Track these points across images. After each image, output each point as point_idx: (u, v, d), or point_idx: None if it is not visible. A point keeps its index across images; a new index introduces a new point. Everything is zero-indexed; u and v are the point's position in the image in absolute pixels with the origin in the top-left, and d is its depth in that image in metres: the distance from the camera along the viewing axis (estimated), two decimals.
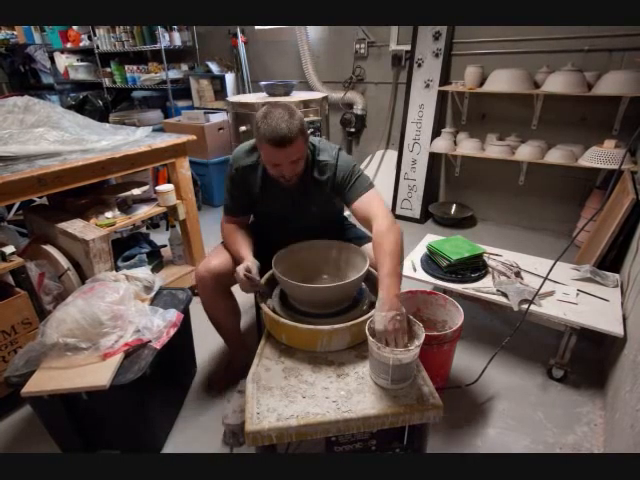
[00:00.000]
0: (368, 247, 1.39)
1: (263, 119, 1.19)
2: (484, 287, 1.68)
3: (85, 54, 4.56)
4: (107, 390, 1.15)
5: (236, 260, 1.35)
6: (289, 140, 1.16)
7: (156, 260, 2.15)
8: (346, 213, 1.75)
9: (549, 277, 1.54)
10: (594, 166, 2.33)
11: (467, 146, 2.80)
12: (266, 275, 1.33)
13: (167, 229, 2.71)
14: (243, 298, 1.55)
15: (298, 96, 2.87)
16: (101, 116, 4.10)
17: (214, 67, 3.85)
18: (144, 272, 1.58)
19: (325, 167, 1.34)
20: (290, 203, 1.39)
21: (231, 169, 1.40)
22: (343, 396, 1.01)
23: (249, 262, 1.26)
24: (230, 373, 1.64)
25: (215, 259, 1.41)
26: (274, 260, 1.26)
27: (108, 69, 4.28)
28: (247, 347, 1.62)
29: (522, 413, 1.50)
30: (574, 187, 2.70)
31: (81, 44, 4.35)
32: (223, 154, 3.41)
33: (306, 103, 2.72)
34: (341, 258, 1.37)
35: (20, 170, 1.47)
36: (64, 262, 1.65)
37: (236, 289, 1.49)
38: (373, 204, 1.27)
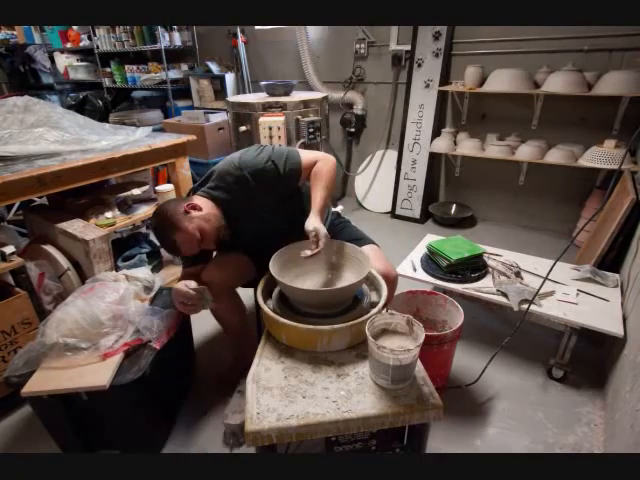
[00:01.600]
0: (367, 249, 1.40)
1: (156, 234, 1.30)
2: (484, 287, 1.68)
3: (85, 54, 4.56)
4: (107, 390, 1.15)
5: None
6: (177, 250, 1.27)
7: (156, 260, 2.15)
8: (339, 208, 1.74)
9: (549, 277, 1.54)
10: (594, 166, 2.33)
11: (467, 146, 2.80)
12: (265, 276, 1.32)
13: None
14: (243, 298, 1.55)
15: (298, 96, 2.87)
16: (101, 116, 4.10)
17: (214, 67, 3.85)
18: (144, 272, 1.58)
19: (250, 174, 1.34)
20: (258, 224, 1.42)
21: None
22: (343, 396, 1.01)
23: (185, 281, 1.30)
24: (236, 371, 1.64)
25: (219, 264, 1.43)
26: (272, 261, 1.25)
27: (108, 69, 4.28)
28: (253, 345, 1.62)
29: (522, 413, 1.50)
30: (574, 187, 2.70)
31: (81, 44, 4.35)
32: (223, 154, 3.40)
33: (306, 103, 2.72)
34: (341, 258, 1.37)
35: (20, 170, 1.47)
36: (64, 262, 1.65)
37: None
38: (313, 159, 1.40)
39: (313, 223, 1.26)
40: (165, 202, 1.32)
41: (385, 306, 1.21)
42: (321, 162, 1.40)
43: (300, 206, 1.46)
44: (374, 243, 1.51)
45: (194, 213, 1.27)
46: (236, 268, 1.44)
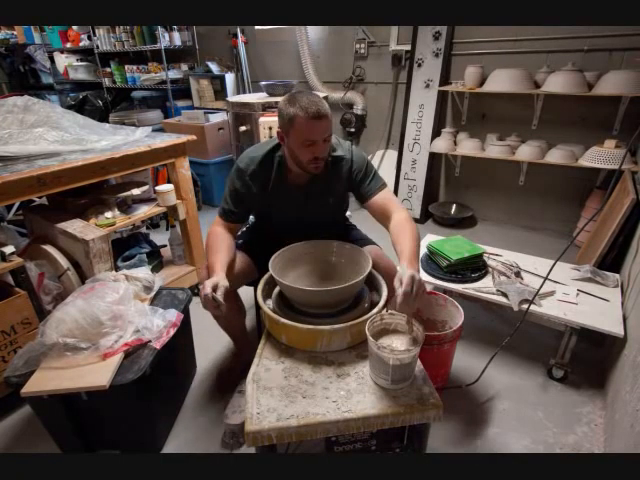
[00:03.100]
0: (368, 249, 1.41)
1: (294, 100, 1.21)
2: (484, 287, 1.68)
3: (85, 54, 4.56)
4: (107, 390, 1.15)
5: (208, 269, 1.29)
6: (325, 114, 1.20)
7: (156, 260, 2.15)
8: (347, 213, 1.75)
9: (549, 277, 1.54)
10: (594, 166, 2.33)
11: (467, 146, 2.80)
12: (265, 276, 1.33)
13: (167, 229, 2.71)
14: (243, 297, 1.55)
15: None
16: (101, 116, 4.10)
17: (214, 67, 3.85)
18: (144, 272, 1.58)
19: (341, 161, 1.38)
20: (304, 198, 1.40)
21: (238, 170, 1.37)
22: (343, 396, 1.01)
23: (219, 280, 1.17)
24: (237, 370, 1.65)
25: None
26: (272, 260, 1.25)
27: (108, 69, 4.28)
28: (252, 344, 1.62)
29: (522, 413, 1.50)
30: (574, 187, 2.71)
31: (81, 44, 4.35)
32: (223, 154, 3.41)
33: None
34: (341, 258, 1.37)
35: (20, 170, 1.47)
36: (64, 262, 1.65)
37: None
38: (391, 200, 1.36)
39: (408, 271, 1.05)
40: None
41: (385, 306, 1.21)
42: (409, 220, 1.28)
43: (337, 219, 1.47)
44: (376, 244, 1.52)
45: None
46: (240, 269, 1.43)
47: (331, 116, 1.23)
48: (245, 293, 1.57)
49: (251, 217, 1.60)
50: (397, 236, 1.24)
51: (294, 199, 1.40)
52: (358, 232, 1.61)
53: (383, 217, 1.34)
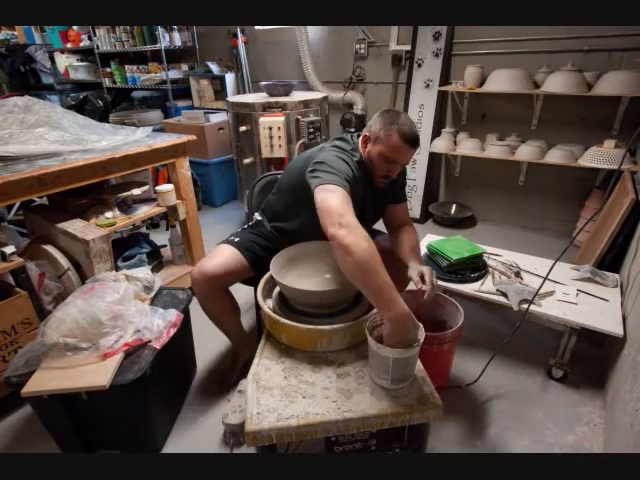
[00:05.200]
0: (385, 238, 1.51)
1: (397, 117, 1.25)
2: (484, 287, 1.68)
3: (85, 54, 4.57)
4: (107, 390, 1.15)
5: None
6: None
7: (156, 260, 2.15)
8: None
9: (549, 277, 1.54)
10: (594, 166, 2.33)
11: (467, 146, 2.80)
12: (265, 276, 1.33)
13: (167, 229, 2.71)
14: (243, 297, 1.55)
15: (298, 96, 2.86)
16: (101, 116, 4.10)
17: (214, 67, 3.85)
18: (144, 272, 1.58)
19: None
20: (374, 203, 1.45)
21: (346, 156, 1.29)
22: (343, 396, 1.01)
23: None
24: (237, 369, 1.65)
25: (210, 261, 1.40)
26: (273, 261, 1.26)
27: (108, 69, 4.28)
28: (250, 341, 1.62)
29: (522, 413, 1.50)
30: (574, 187, 2.71)
31: (81, 44, 4.36)
32: (223, 154, 3.41)
33: (306, 103, 2.71)
34: None
35: (20, 170, 1.47)
36: (64, 262, 1.65)
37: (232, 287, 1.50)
38: (407, 213, 1.53)
39: (418, 267, 1.31)
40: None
41: None
42: (415, 235, 1.46)
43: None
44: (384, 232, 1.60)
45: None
46: (231, 266, 1.42)
47: None
48: (245, 293, 1.58)
49: (256, 215, 1.59)
50: (403, 236, 1.43)
51: (371, 203, 1.42)
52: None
53: (394, 224, 1.49)
